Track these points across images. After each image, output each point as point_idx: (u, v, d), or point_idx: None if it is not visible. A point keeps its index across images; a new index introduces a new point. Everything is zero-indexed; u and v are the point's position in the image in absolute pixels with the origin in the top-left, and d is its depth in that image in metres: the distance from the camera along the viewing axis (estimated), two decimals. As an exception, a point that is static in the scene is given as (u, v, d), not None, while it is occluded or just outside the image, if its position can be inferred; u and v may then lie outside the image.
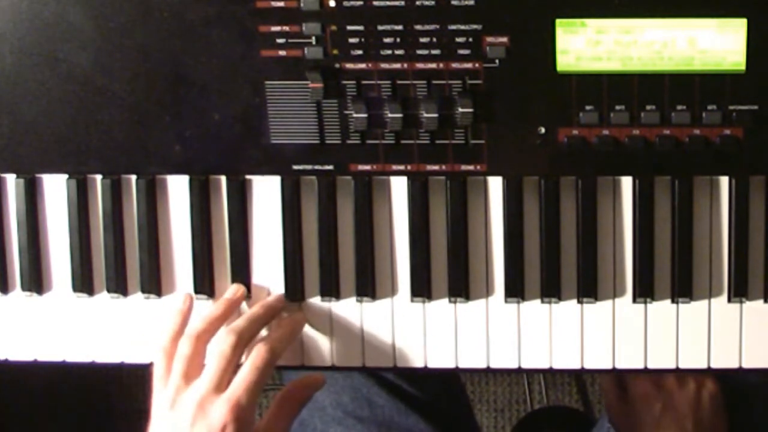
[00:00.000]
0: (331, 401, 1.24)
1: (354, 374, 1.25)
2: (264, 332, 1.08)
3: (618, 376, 1.20)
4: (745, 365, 1.07)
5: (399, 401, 1.24)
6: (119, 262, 1.10)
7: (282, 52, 1.04)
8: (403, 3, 1.02)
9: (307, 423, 1.25)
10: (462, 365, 1.09)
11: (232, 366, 1.02)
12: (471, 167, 1.06)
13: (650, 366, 1.07)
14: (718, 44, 1.00)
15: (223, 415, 0.99)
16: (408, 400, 1.25)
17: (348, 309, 1.09)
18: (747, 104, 1.02)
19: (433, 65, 1.04)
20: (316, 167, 1.07)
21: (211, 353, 1.03)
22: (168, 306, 1.10)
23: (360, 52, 1.04)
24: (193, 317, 1.07)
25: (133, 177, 1.09)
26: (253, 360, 1.02)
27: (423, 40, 1.03)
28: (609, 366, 1.08)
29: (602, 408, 1.95)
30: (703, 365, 1.07)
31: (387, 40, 1.03)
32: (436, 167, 1.06)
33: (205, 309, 1.07)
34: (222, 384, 1.01)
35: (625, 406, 1.21)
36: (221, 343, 1.02)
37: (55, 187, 1.10)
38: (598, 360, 1.08)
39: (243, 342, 1.03)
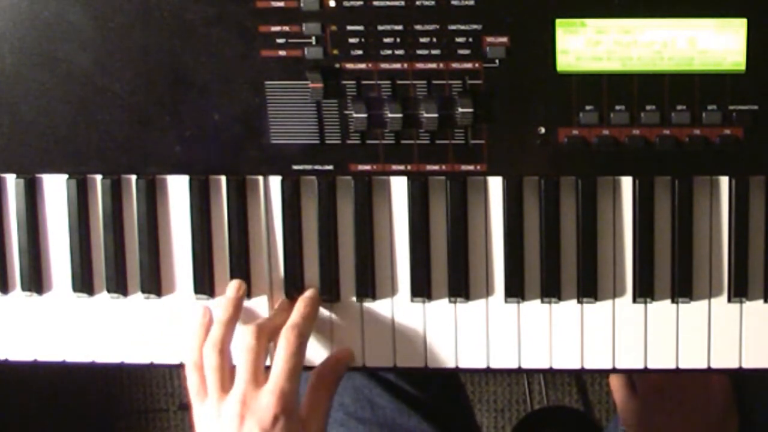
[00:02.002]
0: (333, 402, 1.24)
1: (355, 375, 1.24)
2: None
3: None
4: (745, 365, 1.07)
5: (400, 402, 1.24)
6: (119, 262, 1.10)
7: (282, 52, 1.04)
8: (403, 3, 1.02)
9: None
10: (462, 365, 1.09)
11: (262, 357, 1.02)
12: (471, 167, 1.06)
13: (650, 366, 1.07)
14: (718, 44, 1.00)
15: (271, 407, 0.99)
16: (409, 401, 1.24)
17: (348, 309, 1.09)
18: (747, 104, 1.02)
19: (433, 65, 1.03)
20: (316, 167, 1.07)
21: (238, 351, 1.03)
22: (168, 306, 1.10)
23: (360, 52, 1.04)
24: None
25: (133, 177, 1.09)
26: (284, 347, 1.02)
27: (423, 40, 1.03)
28: (609, 366, 1.08)
29: (602, 408, 1.95)
30: (703, 365, 1.07)
31: (387, 40, 1.03)
32: (436, 167, 1.06)
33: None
34: (258, 377, 1.01)
35: (636, 401, 1.20)
36: (244, 337, 1.02)
37: (55, 187, 1.10)
38: (598, 360, 1.08)
39: (265, 332, 1.03)
